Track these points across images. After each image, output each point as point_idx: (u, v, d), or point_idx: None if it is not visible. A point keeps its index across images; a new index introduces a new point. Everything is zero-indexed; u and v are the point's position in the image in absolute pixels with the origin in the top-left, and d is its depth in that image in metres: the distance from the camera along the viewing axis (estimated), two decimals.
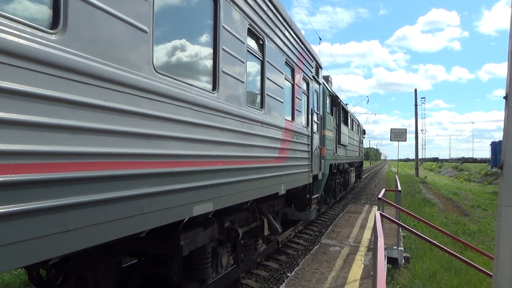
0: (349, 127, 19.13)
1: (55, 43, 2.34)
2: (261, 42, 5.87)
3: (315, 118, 9.83)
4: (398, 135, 32.93)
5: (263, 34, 5.84)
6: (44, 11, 2.40)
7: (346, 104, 20.05)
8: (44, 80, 2.26)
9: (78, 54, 2.49)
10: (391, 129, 33.33)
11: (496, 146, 49.78)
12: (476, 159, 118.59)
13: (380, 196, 7.78)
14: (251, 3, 5.28)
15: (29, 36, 2.18)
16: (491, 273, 2.31)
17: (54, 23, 2.38)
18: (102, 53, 2.70)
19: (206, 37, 4.32)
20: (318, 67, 10.44)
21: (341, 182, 16.59)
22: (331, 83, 14.68)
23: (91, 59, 2.60)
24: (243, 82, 5.09)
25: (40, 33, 2.27)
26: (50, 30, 2.34)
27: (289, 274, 7.08)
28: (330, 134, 12.42)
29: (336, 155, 13.88)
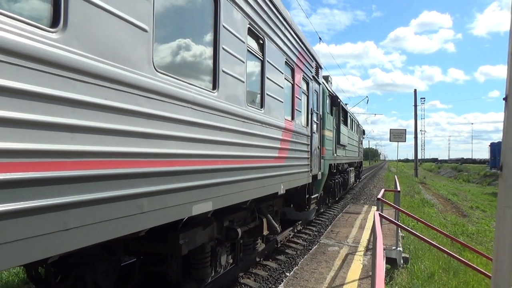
0: (349, 127, 19.13)
1: (55, 42, 2.34)
2: (261, 42, 5.87)
3: (314, 118, 9.83)
4: (397, 135, 32.91)
5: (264, 34, 5.84)
6: (45, 10, 2.40)
7: (346, 104, 20.04)
8: (44, 79, 2.26)
9: (78, 52, 2.49)
10: (390, 129, 33.29)
11: (495, 147, 49.90)
12: (475, 159, 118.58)
13: (379, 196, 7.79)
14: (252, 2, 5.27)
15: (29, 35, 2.18)
16: (490, 274, 2.31)
17: (55, 22, 2.38)
18: (102, 51, 2.70)
19: (206, 37, 4.32)
20: (318, 67, 10.44)
21: (340, 182, 16.59)
22: (331, 83, 14.68)
23: (91, 57, 2.60)
24: (243, 82, 5.09)
25: (40, 32, 2.26)
26: (50, 29, 2.34)
27: (287, 274, 7.09)
28: (329, 134, 12.42)
29: (335, 155, 13.89)
